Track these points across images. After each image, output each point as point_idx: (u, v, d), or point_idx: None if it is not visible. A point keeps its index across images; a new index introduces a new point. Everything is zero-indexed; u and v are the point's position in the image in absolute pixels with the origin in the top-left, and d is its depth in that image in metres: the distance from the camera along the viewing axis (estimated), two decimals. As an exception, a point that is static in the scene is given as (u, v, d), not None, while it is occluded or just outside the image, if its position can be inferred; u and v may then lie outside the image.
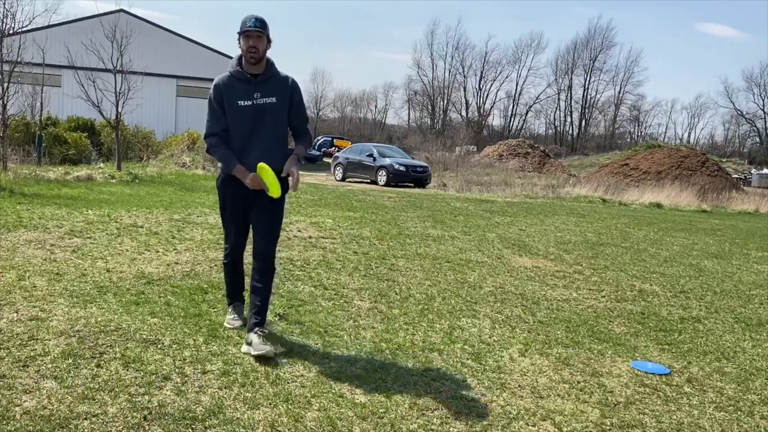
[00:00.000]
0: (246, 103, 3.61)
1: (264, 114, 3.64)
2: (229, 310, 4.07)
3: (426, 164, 24.84)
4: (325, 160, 34.60)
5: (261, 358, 3.41)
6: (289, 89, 3.71)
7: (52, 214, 7.85)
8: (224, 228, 3.98)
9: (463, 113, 75.01)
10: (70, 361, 3.19)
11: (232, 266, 3.99)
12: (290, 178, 3.66)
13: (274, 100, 3.65)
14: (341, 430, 2.73)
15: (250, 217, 3.76)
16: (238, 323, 3.96)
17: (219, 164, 3.81)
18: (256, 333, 3.54)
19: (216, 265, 5.65)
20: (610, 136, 73.70)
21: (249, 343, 3.54)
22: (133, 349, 3.43)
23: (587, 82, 74.64)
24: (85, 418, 2.61)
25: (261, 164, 3.56)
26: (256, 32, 3.55)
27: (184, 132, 25.67)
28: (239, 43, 3.61)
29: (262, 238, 3.71)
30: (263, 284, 3.66)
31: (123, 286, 4.70)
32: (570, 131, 76.94)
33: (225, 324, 3.97)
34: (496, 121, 78.58)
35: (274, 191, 3.56)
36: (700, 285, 6.71)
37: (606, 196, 21.12)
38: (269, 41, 3.64)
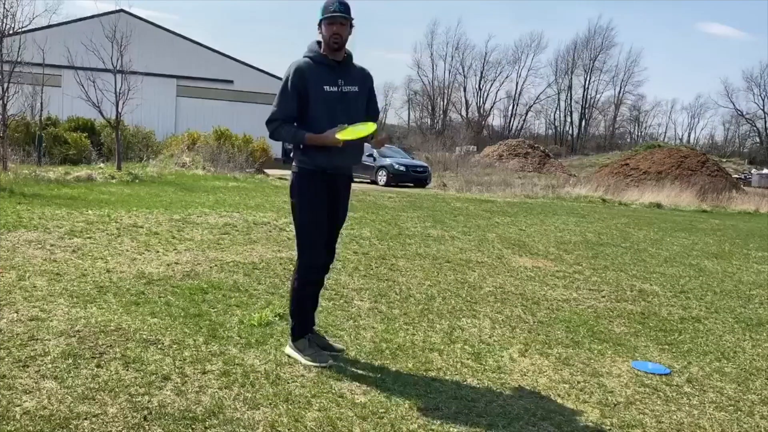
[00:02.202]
0: (332, 89, 3.39)
1: (348, 102, 3.44)
2: (307, 343, 3.55)
3: (426, 164, 24.89)
4: None
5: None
6: (367, 80, 3.57)
7: (52, 214, 7.85)
8: (306, 239, 3.50)
9: (463, 113, 75.12)
10: (70, 361, 3.19)
11: (316, 288, 3.65)
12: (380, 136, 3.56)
13: (356, 89, 3.47)
14: (341, 430, 2.72)
15: (332, 215, 3.55)
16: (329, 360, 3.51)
17: (294, 163, 3.51)
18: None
19: (216, 265, 5.65)
20: (610, 137, 73.74)
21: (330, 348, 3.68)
22: (133, 349, 3.43)
23: (587, 82, 74.78)
24: (85, 418, 2.61)
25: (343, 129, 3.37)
26: (341, 18, 3.32)
27: (184, 132, 25.70)
28: (320, 28, 3.38)
29: (337, 233, 3.65)
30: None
31: (123, 286, 4.70)
32: (570, 131, 77.03)
33: (309, 363, 3.43)
34: (496, 121, 78.73)
35: (368, 128, 3.37)
36: (700, 285, 6.71)
37: (606, 196, 21.11)
38: (352, 27, 3.41)
